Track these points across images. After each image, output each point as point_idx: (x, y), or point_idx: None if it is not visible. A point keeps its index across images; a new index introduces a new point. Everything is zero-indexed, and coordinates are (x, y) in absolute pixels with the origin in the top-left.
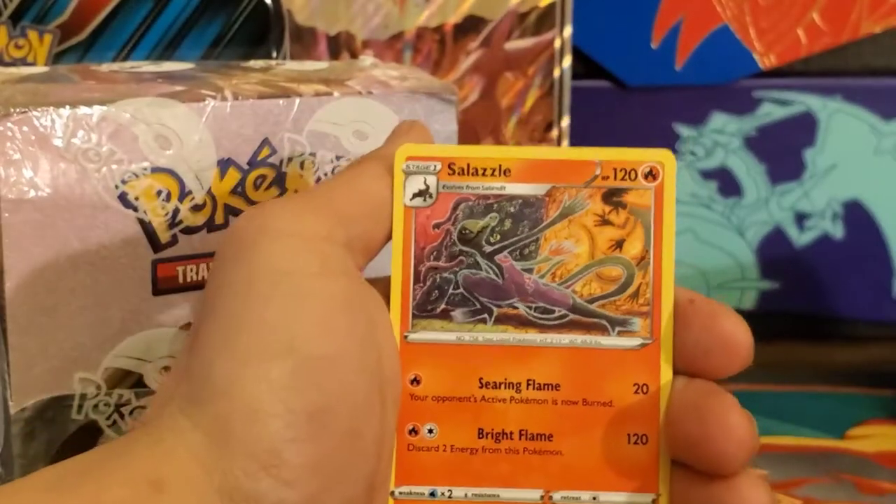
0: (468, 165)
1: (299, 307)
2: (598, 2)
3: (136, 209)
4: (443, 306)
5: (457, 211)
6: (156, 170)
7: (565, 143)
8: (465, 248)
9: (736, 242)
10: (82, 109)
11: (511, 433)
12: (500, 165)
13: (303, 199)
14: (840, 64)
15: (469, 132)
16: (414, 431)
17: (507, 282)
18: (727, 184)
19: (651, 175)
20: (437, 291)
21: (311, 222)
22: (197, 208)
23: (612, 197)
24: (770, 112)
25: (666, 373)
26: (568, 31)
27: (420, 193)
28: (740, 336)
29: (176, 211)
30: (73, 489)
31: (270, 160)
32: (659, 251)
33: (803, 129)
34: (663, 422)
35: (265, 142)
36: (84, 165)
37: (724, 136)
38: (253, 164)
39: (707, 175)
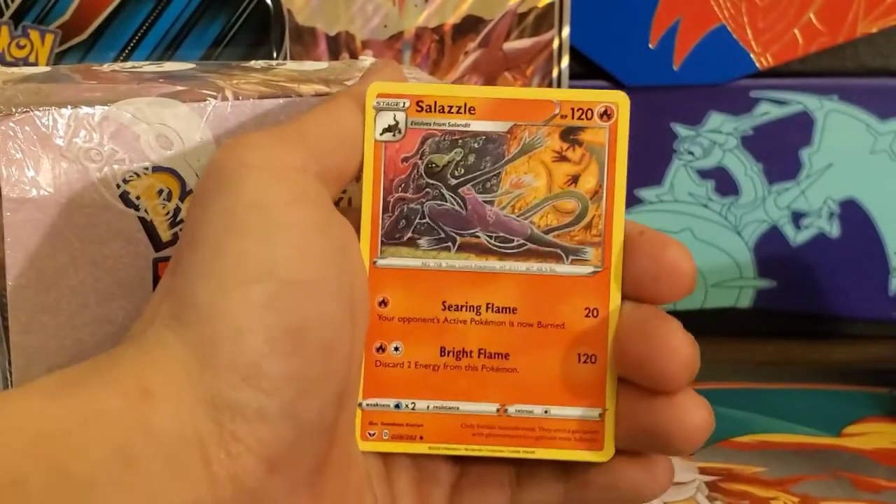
0: (435, 103)
1: (275, 235)
2: (596, 2)
3: (137, 208)
4: (409, 234)
5: (424, 146)
6: (157, 169)
7: None
8: (431, 181)
9: (733, 241)
10: (84, 109)
11: (471, 351)
12: (465, 103)
13: (278, 133)
14: (836, 64)
15: None
16: (381, 349)
17: (469, 213)
18: (724, 183)
19: (606, 115)
20: (404, 221)
21: (285, 155)
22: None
23: (570, 135)
24: (767, 112)
25: (615, 298)
26: (566, 31)
27: (390, 129)
28: (685, 264)
29: (177, 210)
30: (68, 397)
31: None
32: (612, 186)
33: (800, 128)
34: (612, 343)
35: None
36: (86, 165)
37: (721, 135)
38: None
39: (704, 174)
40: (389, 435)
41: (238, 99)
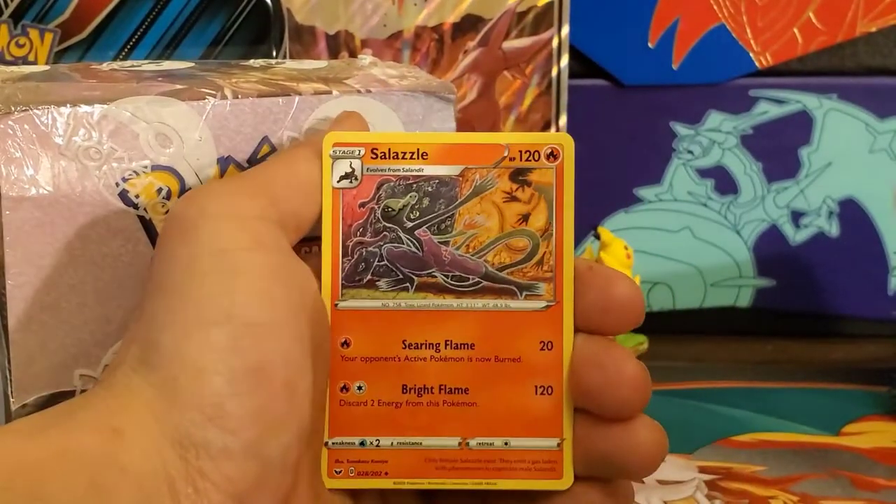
0: (389, 150)
1: (235, 280)
2: (595, 1)
3: (136, 207)
4: (369, 277)
5: (380, 191)
6: (156, 168)
7: None
8: (388, 224)
9: (732, 240)
10: (83, 108)
11: (431, 388)
12: (417, 149)
13: (238, 181)
14: (836, 63)
15: (467, 131)
16: (345, 388)
17: (426, 254)
18: (724, 182)
19: (552, 156)
20: (363, 264)
21: (245, 203)
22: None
23: (518, 176)
24: (766, 111)
25: (568, 330)
26: (565, 30)
27: (346, 176)
28: (633, 298)
29: None
30: (44, 436)
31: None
32: (560, 223)
33: (799, 127)
34: (567, 374)
35: (265, 140)
36: (85, 163)
37: (720, 134)
38: (253, 161)
39: (704, 173)
40: (356, 471)
41: (237, 98)
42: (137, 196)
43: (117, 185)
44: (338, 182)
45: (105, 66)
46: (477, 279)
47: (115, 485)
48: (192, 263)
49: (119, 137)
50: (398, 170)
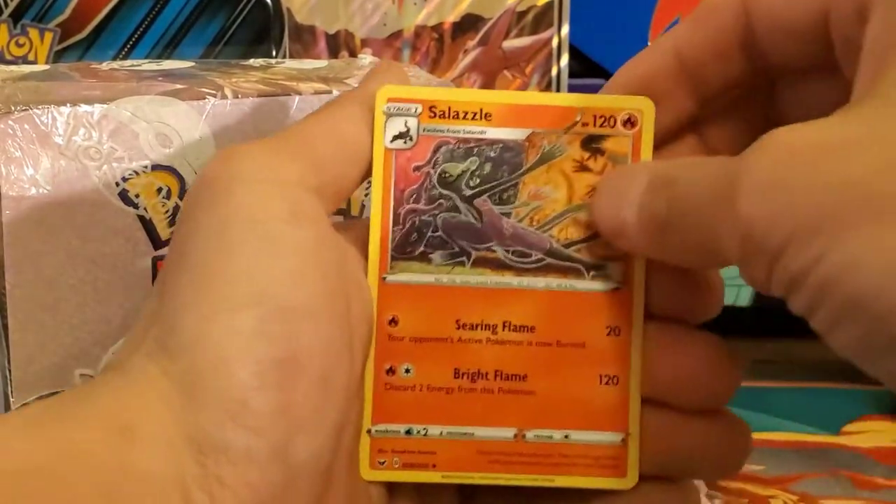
0: (449, 109)
1: (269, 256)
2: (595, 1)
3: (136, 206)
4: (421, 248)
5: (437, 154)
6: (156, 167)
7: None
8: (444, 192)
9: None
10: (83, 107)
11: (486, 373)
12: (481, 109)
13: (277, 142)
14: None
15: None
16: (391, 371)
17: (485, 225)
18: None
19: (630, 122)
20: (416, 234)
21: (283, 167)
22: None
23: (591, 143)
24: None
25: (638, 315)
26: (565, 29)
27: (401, 135)
28: (712, 281)
29: (176, 208)
30: (50, 430)
31: None
32: None
33: None
34: (635, 363)
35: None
36: (85, 163)
37: None
38: None
39: None
40: (400, 463)
41: (237, 97)
42: (137, 195)
43: (117, 184)
44: (391, 142)
45: (105, 65)
46: (540, 256)
47: (123, 491)
48: (221, 234)
49: (119, 137)
50: (458, 131)
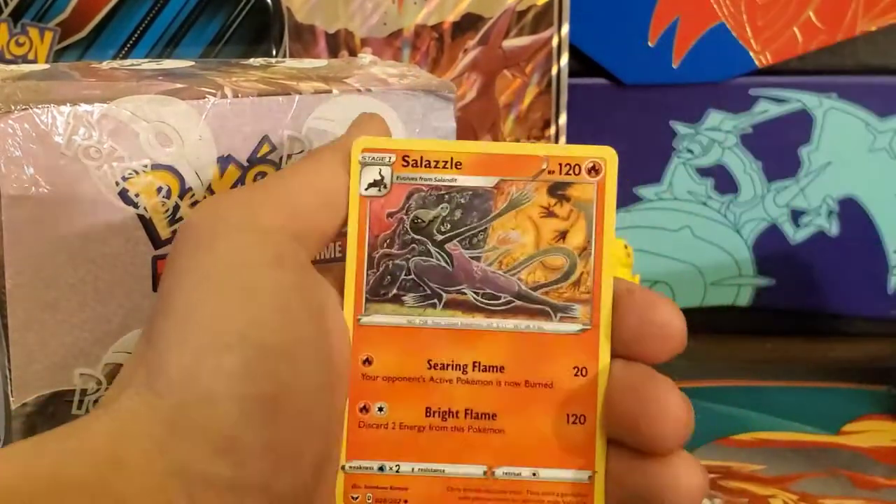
0: (421, 158)
1: (251, 299)
2: (595, 0)
3: (136, 206)
4: (395, 291)
5: (410, 201)
6: (156, 167)
7: (563, 140)
8: (417, 237)
9: (732, 239)
10: (83, 107)
11: (457, 412)
12: (451, 158)
13: (258, 191)
14: (835, 62)
15: (467, 129)
16: (365, 409)
17: (456, 269)
18: (723, 181)
19: (594, 170)
20: (389, 277)
21: (264, 216)
22: (197, 205)
23: (557, 190)
24: (766, 110)
25: (604, 356)
26: (565, 29)
27: (375, 184)
28: (675, 324)
29: (176, 207)
30: (40, 463)
31: (270, 157)
32: (600, 242)
33: (799, 126)
34: (601, 403)
35: (265, 139)
36: (85, 162)
37: (720, 133)
38: (252, 160)
39: (704, 172)
40: (373, 499)
41: (237, 97)
42: (137, 195)
43: (117, 184)
44: (366, 190)
45: (105, 64)
46: (509, 298)
47: None
48: (205, 279)
49: (119, 136)
50: (430, 179)
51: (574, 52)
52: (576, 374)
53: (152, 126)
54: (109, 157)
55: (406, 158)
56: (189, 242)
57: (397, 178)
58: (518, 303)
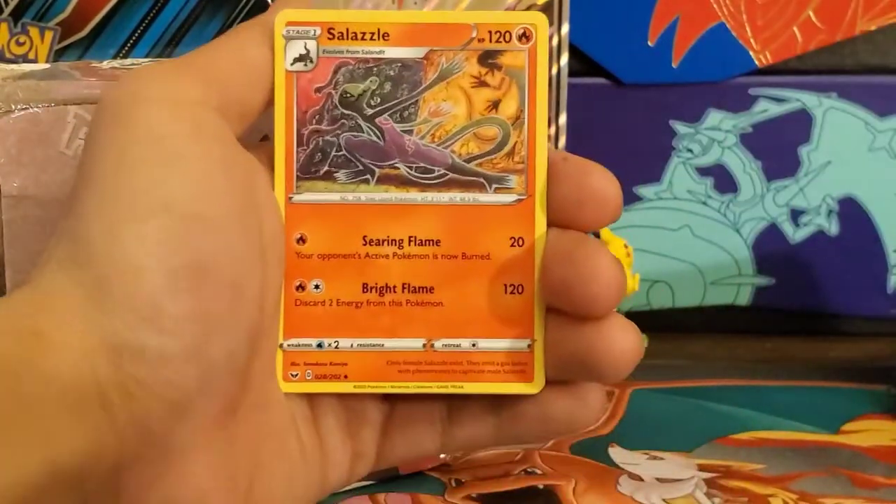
0: (347, 30)
1: (173, 169)
2: (595, 0)
3: None
4: (326, 168)
5: (337, 75)
6: None
7: (562, 140)
8: (346, 112)
9: (732, 238)
10: (83, 106)
11: (394, 287)
12: (378, 30)
13: (178, 64)
14: (835, 62)
15: None
16: (301, 287)
17: (388, 143)
18: (723, 180)
19: (524, 37)
20: (320, 154)
21: (184, 87)
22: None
23: (488, 59)
24: (766, 109)
25: (540, 225)
26: (565, 28)
27: (301, 58)
28: (610, 189)
29: None
30: None
31: None
32: (533, 111)
33: (799, 126)
34: (538, 271)
35: (265, 138)
36: None
37: (720, 133)
38: None
39: (703, 172)
40: (313, 375)
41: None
42: None
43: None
44: (291, 65)
45: (105, 64)
46: (443, 171)
47: (36, 394)
48: (124, 151)
49: None
50: (357, 52)
51: (574, 52)
52: (512, 245)
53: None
54: None
55: (331, 31)
56: (107, 115)
57: (323, 51)
58: (452, 175)
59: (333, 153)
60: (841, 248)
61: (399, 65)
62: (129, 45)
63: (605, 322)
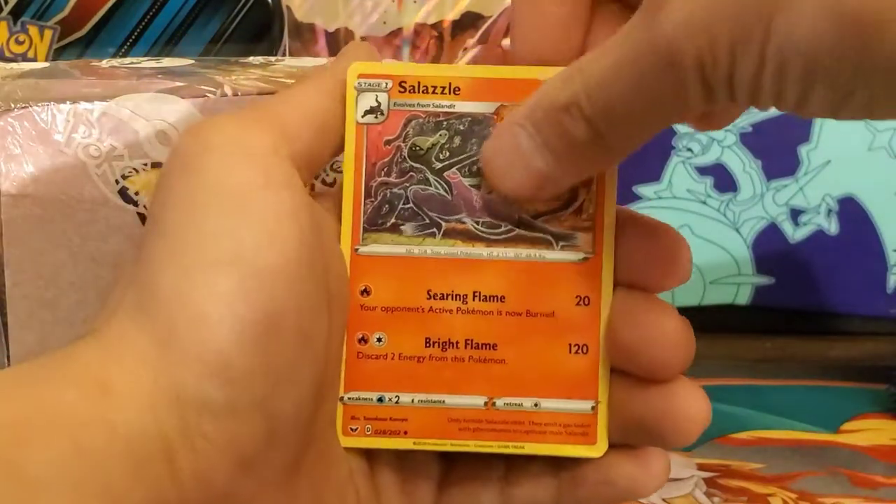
0: (419, 83)
1: (244, 219)
2: None
3: (136, 204)
4: (393, 220)
5: (407, 128)
6: (156, 165)
7: None
8: (415, 165)
9: (731, 238)
10: (83, 105)
11: (457, 342)
12: (449, 83)
13: (249, 114)
14: None
15: None
16: (363, 340)
17: (455, 197)
18: (723, 180)
19: None
20: (387, 206)
21: (255, 137)
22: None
23: None
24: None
25: (607, 285)
26: None
27: (372, 110)
28: (679, 249)
29: None
30: (22, 391)
31: None
32: None
33: (798, 125)
34: (604, 332)
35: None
36: (84, 160)
37: (719, 132)
38: None
39: (703, 171)
40: (372, 430)
41: (237, 95)
42: (137, 193)
43: (117, 182)
44: (362, 117)
45: (105, 63)
46: (510, 227)
47: (102, 446)
48: (194, 200)
49: (119, 134)
50: (428, 105)
51: None
52: (578, 304)
53: (152, 124)
54: (109, 155)
55: (403, 84)
56: (177, 165)
57: (394, 104)
58: (518, 231)
59: (401, 206)
60: (840, 248)
61: (469, 119)
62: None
63: (673, 386)
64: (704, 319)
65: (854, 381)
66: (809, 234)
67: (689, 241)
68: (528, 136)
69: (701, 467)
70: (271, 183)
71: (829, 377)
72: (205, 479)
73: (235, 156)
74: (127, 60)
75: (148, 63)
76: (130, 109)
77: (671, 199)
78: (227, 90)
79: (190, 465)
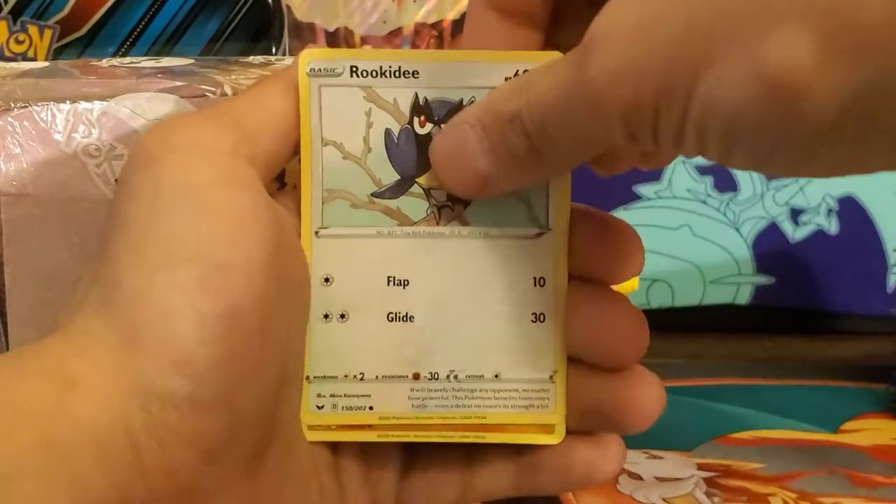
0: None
1: (204, 217)
2: None
3: None
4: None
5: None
6: None
7: None
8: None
9: (732, 237)
10: (82, 104)
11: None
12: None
13: (208, 114)
14: None
15: None
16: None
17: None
18: (723, 179)
19: None
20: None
21: (215, 137)
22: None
23: None
24: None
25: (562, 263)
26: None
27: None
28: (632, 242)
29: None
30: None
31: None
32: None
33: None
34: (562, 306)
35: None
36: (84, 160)
37: None
38: None
39: (703, 171)
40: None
41: (237, 94)
42: None
43: (117, 181)
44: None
45: (104, 62)
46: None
47: (68, 439)
48: (156, 199)
49: (119, 134)
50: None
51: None
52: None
53: (152, 124)
54: (109, 155)
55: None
56: (139, 163)
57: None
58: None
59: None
60: (840, 247)
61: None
62: (127, 43)
63: (628, 375)
64: (704, 319)
65: (854, 380)
66: (809, 233)
67: (689, 241)
68: (477, 139)
69: (701, 467)
70: (231, 183)
71: (829, 377)
72: (170, 471)
73: (195, 155)
74: (126, 60)
75: (147, 62)
76: (130, 109)
77: (671, 198)
78: (227, 89)
79: (155, 457)
